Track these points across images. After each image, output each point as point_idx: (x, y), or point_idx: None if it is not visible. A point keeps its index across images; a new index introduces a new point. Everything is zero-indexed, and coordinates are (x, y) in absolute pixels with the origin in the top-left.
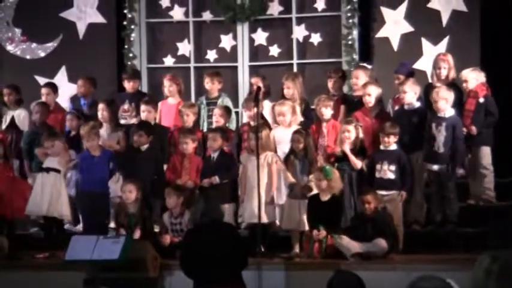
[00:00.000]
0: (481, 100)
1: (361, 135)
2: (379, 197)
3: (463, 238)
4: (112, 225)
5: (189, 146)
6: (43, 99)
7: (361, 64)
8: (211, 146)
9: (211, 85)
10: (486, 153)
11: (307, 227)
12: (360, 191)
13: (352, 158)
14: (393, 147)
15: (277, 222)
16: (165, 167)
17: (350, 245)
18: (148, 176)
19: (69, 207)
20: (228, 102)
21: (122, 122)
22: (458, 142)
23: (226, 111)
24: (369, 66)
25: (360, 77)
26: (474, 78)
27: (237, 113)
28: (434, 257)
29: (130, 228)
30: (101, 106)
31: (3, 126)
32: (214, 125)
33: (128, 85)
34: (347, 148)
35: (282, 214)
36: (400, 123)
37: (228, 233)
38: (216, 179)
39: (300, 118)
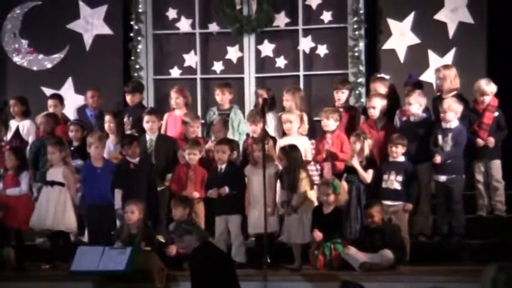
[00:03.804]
0: (496, 114)
1: (367, 147)
2: (383, 209)
3: (470, 250)
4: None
5: (196, 157)
6: (50, 110)
7: (379, 76)
8: (220, 159)
9: (222, 96)
10: (497, 167)
11: (308, 239)
12: (366, 203)
13: (361, 172)
14: (401, 158)
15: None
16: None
17: (357, 255)
18: (142, 187)
19: (75, 220)
20: (240, 114)
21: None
22: (457, 148)
23: (222, 124)
24: (387, 77)
25: (379, 89)
26: (491, 91)
27: None
28: (441, 268)
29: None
30: (107, 118)
31: (9, 137)
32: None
33: (130, 99)
34: (355, 162)
35: (283, 227)
36: (406, 134)
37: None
38: (225, 190)
39: (306, 128)
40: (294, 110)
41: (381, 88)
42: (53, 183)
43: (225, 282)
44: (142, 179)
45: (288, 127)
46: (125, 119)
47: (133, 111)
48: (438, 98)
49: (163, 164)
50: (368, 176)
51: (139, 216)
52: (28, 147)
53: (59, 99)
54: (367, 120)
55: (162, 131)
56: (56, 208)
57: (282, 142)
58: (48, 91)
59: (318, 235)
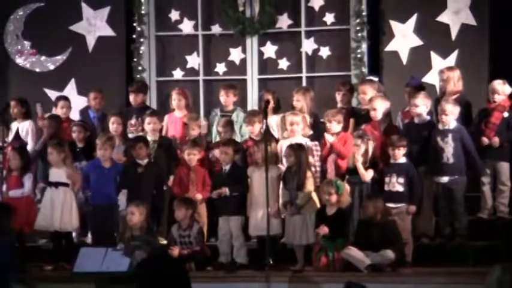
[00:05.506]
0: (506, 114)
1: (370, 148)
2: (381, 206)
3: (473, 251)
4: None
5: (196, 157)
6: (58, 112)
7: (367, 78)
8: (224, 160)
9: (226, 98)
10: (505, 169)
11: (312, 240)
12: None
13: (361, 170)
14: (402, 160)
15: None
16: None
17: (358, 256)
18: (148, 189)
19: (78, 218)
20: (242, 117)
21: (130, 136)
22: (471, 150)
23: (228, 124)
24: (375, 79)
25: (367, 92)
26: (503, 92)
27: None
28: (444, 270)
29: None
30: (112, 119)
31: (10, 138)
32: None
33: (133, 99)
34: (358, 160)
35: (285, 229)
36: (410, 136)
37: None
38: (226, 191)
39: (308, 131)
40: (304, 110)
41: (370, 90)
42: (57, 185)
43: None
44: (149, 181)
45: (294, 128)
46: (133, 121)
47: (139, 113)
48: (441, 99)
49: (165, 165)
50: (367, 174)
51: (139, 218)
52: (29, 148)
53: (68, 101)
54: (370, 122)
55: (163, 133)
56: (63, 209)
57: (284, 143)
58: (50, 93)
59: (324, 229)
